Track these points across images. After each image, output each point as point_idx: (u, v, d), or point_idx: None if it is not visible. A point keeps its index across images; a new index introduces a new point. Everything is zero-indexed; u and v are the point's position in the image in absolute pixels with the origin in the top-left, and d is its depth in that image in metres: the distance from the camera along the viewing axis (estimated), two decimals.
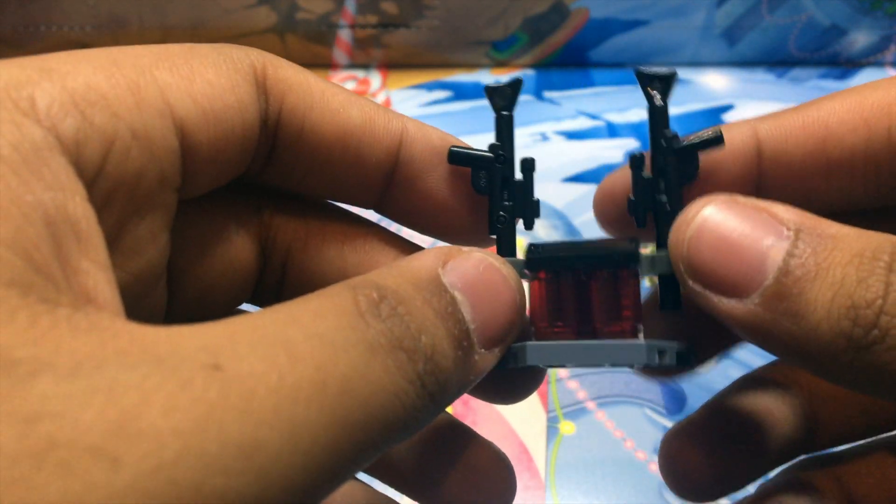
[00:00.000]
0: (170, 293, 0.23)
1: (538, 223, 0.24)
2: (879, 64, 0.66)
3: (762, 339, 0.20)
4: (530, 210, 0.24)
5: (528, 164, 0.24)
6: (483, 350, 0.20)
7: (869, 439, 0.27)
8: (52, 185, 0.17)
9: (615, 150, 0.59)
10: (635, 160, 0.23)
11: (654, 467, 0.42)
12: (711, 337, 0.26)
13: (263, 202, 0.25)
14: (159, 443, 0.14)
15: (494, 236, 0.24)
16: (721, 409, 0.26)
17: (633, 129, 0.60)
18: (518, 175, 0.24)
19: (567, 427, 0.44)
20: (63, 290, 0.16)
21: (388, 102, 0.62)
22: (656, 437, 0.44)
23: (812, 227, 0.19)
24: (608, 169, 0.57)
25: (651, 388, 0.46)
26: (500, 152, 0.24)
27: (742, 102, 0.62)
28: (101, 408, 0.14)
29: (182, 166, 0.20)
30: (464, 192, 0.24)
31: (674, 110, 0.61)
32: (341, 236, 0.25)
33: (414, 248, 0.25)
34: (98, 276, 0.17)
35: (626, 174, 0.24)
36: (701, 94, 0.63)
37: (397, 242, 0.25)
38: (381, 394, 0.17)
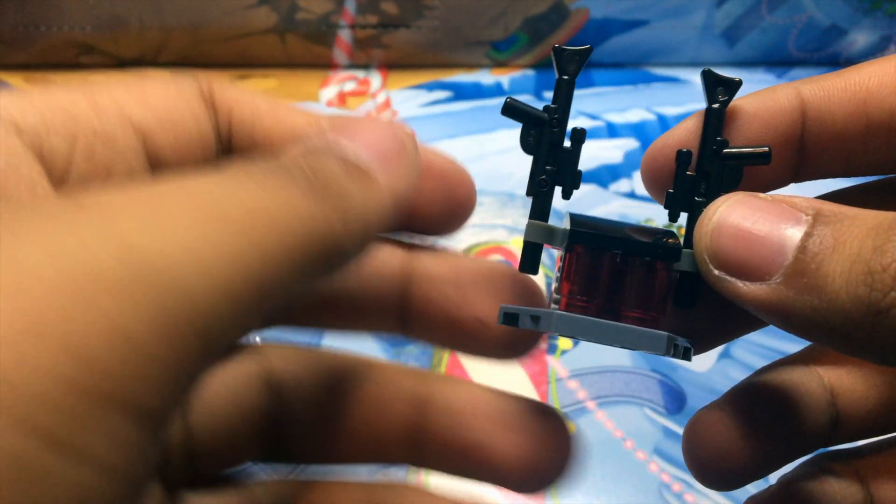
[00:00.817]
0: None
1: None
2: None
3: (786, 318, 0.20)
4: (572, 179, 0.24)
5: (579, 135, 0.24)
6: (380, 174, 0.21)
7: (889, 435, 0.27)
8: (3, 152, 0.18)
9: (615, 150, 0.59)
10: (682, 156, 0.24)
11: (655, 467, 0.42)
12: (708, 333, 0.26)
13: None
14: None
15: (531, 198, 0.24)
16: (750, 392, 0.26)
17: (633, 129, 0.60)
18: (566, 143, 0.24)
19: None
20: None
21: (388, 102, 0.62)
22: (656, 437, 0.44)
23: (830, 210, 0.20)
24: (608, 169, 0.57)
25: (651, 388, 0.46)
26: (555, 115, 0.24)
27: None
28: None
29: (150, 167, 0.22)
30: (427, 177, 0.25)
31: (674, 110, 0.61)
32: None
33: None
34: None
35: (681, 134, 0.25)
36: (701, 95, 0.63)
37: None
38: (269, 199, 0.17)
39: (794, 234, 0.20)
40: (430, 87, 0.63)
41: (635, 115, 0.61)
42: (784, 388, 0.26)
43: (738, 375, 0.28)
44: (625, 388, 0.46)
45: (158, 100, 0.22)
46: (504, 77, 0.64)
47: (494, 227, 0.53)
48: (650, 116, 0.61)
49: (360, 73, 0.64)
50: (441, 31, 0.63)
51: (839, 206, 0.20)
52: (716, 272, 0.21)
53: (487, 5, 0.61)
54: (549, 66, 0.65)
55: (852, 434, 0.27)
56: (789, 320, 0.20)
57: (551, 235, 0.24)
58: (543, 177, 0.24)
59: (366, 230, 0.19)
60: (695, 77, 0.64)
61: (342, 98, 0.62)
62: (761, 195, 0.21)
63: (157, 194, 0.15)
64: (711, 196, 0.23)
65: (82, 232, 0.14)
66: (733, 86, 0.24)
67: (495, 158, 0.58)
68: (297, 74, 0.64)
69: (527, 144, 0.24)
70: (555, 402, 0.45)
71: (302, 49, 0.63)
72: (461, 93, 0.63)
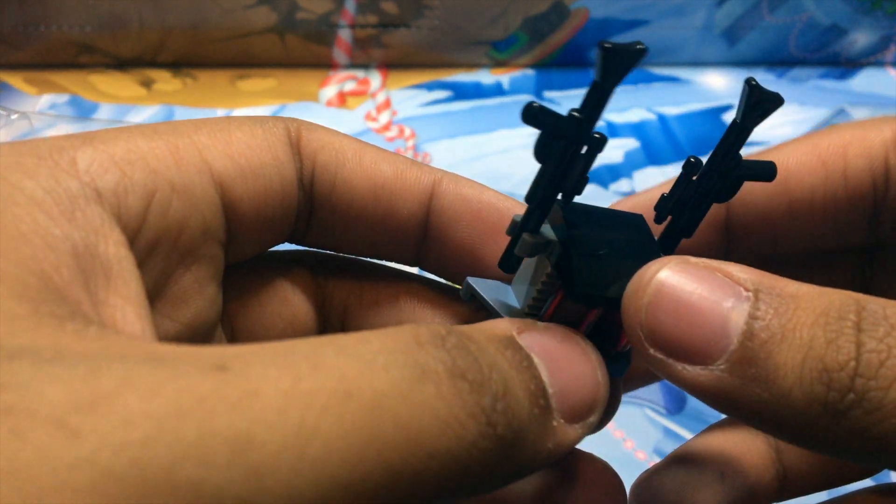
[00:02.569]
0: None
1: None
2: (879, 64, 0.66)
3: (731, 406, 0.19)
4: (577, 185, 0.21)
5: (599, 143, 0.21)
6: (562, 420, 0.19)
7: (835, 489, 0.27)
8: (83, 226, 0.17)
9: (615, 150, 0.59)
10: (691, 165, 0.22)
11: None
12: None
13: (317, 266, 0.25)
14: (128, 422, 0.13)
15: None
16: (695, 452, 0.26)
17: (633, 129, 0.60)
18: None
19: None
20: (79, 311, 0.16)
21: (388, 102, 0.62)
22: (656, 437, 0.44)
23: (770, 287, 0.19)
24: (608, 169, 0.57)
25: (651, 388, 0.46)
26: (584, 126, 0.20)
27: None
28: (73, 386, 0.13)
29: (225, 220, 0.21)
30: (497, 244, 0.24)
31: (674, 110, 0.61)
32: (395, 297, 0.25)
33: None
34: (126, 309, 0.17)
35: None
36: (701, 94, 0.63)
37: (452, 301, 0.25)
38: (429, 419, 0.15)
39: (737, 314, 0.18)
40: (430, 86, 0.63)
41: (635, 115, 0.61)
42: (729, 447, 0.26)
43: None
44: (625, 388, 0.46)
45: (242, 147, 0.21)
46: (504, 77, 0.64)
47: None
48: (650, 116, 0.61)
49: (359, 73, 0.64)
50: (441, 31, 0.63)
51: (779, 279, 0.19)
52: (651, 351, 0.19)
53: (487, 5, 0.61)
54: (549, 66, 0.66)
55: (799, 489, 0.27)
56: (735, 410, 0.19)
57: (543, 249, 0.22)
58: (550, 192, 0.21)
59: (520, 473, 0.18)
60: (695, 77, 0.64)
61: (342, 98, 0.62)
62: (693, 260, 0.20)
63: (290, 363, 0.14)
64: (706, 206, 0.23)
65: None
66: (773, 105, 0.21)
67: (495, 158, 0.58)
68: (297, 74, 0.64)
69: (543, 154, 0.20)
70: None
71: (302, 49, 0.63)
72: (461, 92, 0.63)
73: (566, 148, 0.20)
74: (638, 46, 0.19)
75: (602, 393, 0.20)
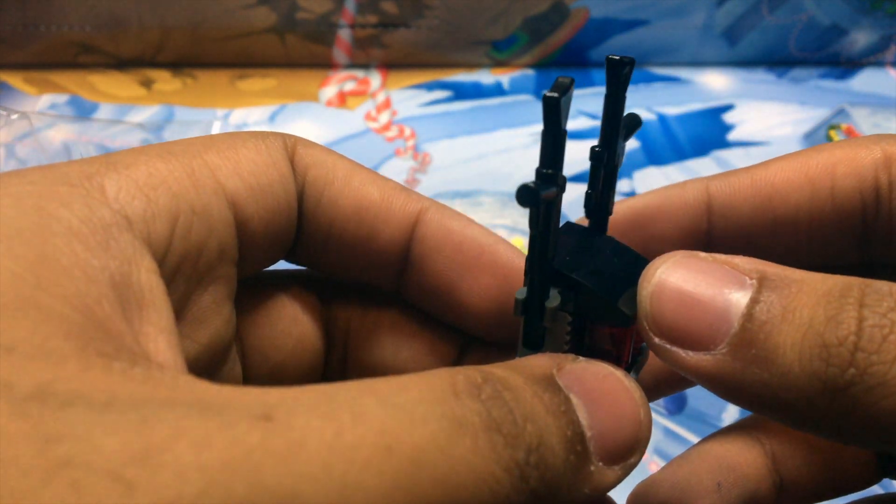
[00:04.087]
0: (244, 374, 0.24)
1: None
2: (880, 64, 0.66)
3: (733, 390, 0.19)
4: (554, 237, 0.21)
5: (563, 188, 0.20)
6: (601, 464, 0.18)
7: (834, 500, 0.27)
8: (117, 255, 0.17)
9: None
10: (598, 155, 0.22)
11: (655, 467, 0.42)
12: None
13: (321, 285, 0.26)
14: (181, 476, 0.13)
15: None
16: (692, 463, 0.26)
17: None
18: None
19: None
20: (123, 346, 0.16)
21: (388, 102, 0.62)
22: (656, 437, 0.43)
23: (775, 274, 0.19)
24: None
25: None
26: (560, 182, 0.20)
27: (742, 102, 0.62)
28: (127, 437, 0.13)
29: (237, 239, 0.21)
30: (476, 279, 0.24)
31: (674, 110, 0.61)
32: (397, 321, 0.25)
33: (470, 346, 0.26)
34: (158, 339, 0.17)
35: None
36: (701, 94, 0.63)
37: (459, 337, 0.26)
38: (465, 473, 0.15)
39: (739, 299, 0.19)
40: (430, 86, 0.63)
41: None
42: (727, 457, 0.26)
43: None
44: None
45: (251, 165, 0.22)
46: (504, 77, 0.64)
47: (494, 228, 0.53)
48: (650, 116, 0.61)
49: (359, 73, 0.64)
50: (441, 31, 0.63)
51: (784, 268, 0.19)
52: (656, 340, 0.19)
53: (487, 5, 0.61)
54: (549, 66, 0.66)
55: (796, 500, 0.27)
56: (737, 393, 0.19)
57: (563, 306, 0.22)
58: (548, 254, 0.21)
59: None
60: (695, 77, 0.64)
61: (342, 98, 0.62)
62: (701, 254, 0.20)
63: (332, 413, 0.15)
64: (613, 182, 0.23)
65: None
66: (625, 63, 0.22)
67: (495, 158, 0.58)
68: (297, 74, 0.64)
69: (539, 224, 0.20)
70: None
71: (302, 49, 0.63)
72: (461, 92, 0.63)
73: (550, 208, 0.20)
74: (568, 83, 0.19)
75: (644, 433, 0.20)
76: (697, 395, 0.45)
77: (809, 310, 0.18)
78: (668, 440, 0.44)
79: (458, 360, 0.26)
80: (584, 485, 0.18)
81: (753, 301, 0.18)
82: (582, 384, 0.19)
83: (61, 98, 0.60)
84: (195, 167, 0.21)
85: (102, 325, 0.16)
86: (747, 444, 0.26)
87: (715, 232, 0.25)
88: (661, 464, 0.42)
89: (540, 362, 0.19)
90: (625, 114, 0.22)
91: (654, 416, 0.44)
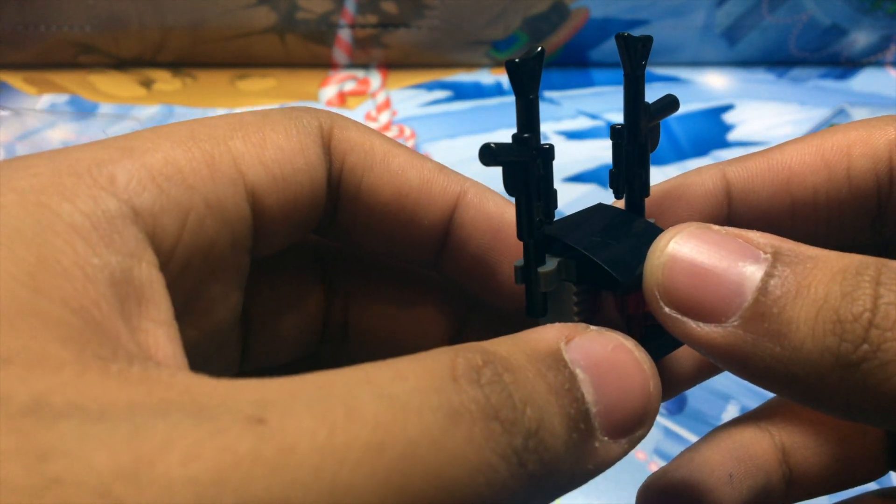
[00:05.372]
0: (243, 344, 0.24)
1: None
2: (879, 64, 0.66)
3: (744, 365, 0.19)
4: (553, 203, 0.22)
5: (547, 152, 0.21)
6: (606, 438, 0.18)
7: (844, 492, 0.27)
8: (119, 250, 0.17)
9: None
10: (618, 132, 0.23)
11: (655, 467, 0.42)
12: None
13: (326, 255, 0.26)
14: (169, 491, 0.13)
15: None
16: (701, 455, 0.26)
17: None
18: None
19: None
20: (122, 345, 0.16)
21: (388, 102, 0.62)
22: (657, 436, 0.43)
23: (790, 249, 0.19)
24: (608, 169, 0.57)
25: None
26: (535, 146, 0.20)
27: (742, 102, 0.62)
28: (118, 450, 0.13)
29: (253, 229, 0.21)
30: (514, 259, 0.24)
31: None
32: (401, 291, 0.25)
33: (484, 306, 0.25)
34: (158, 333, 0.17)
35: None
36: (701, 94, 0.63)
37: (454, 301, 0.26)
38: (459, 465, 0.15)
39: (753, 273, 0.19)
40: (430, 86, 0.63)
41: None
42: (736, 449, 0.26)
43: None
44: None
45: (276, 153, 0.21)
46: (504, 77, 0.64)
47: None
48: None
49: (359, 73, 0.64)
50: (441, 31, 0.63)
51: (798, 244, 0.19)
52: (666, 310, 0.19)
53: (487, 5, 0.61)
54: (549, 66, 0.65)
55: (807, 492, 0.27)
56: (747, 367, 0.19)
57: (561, 273, 0.22)
58: (536, 219, 0.21)
59: (556, 495, 0.17)
60: (695, 77, 0.64)
61: (342, 98, 0.62)
62: (715, 227, 0.20)
63: (326, 411, 0.15)
64: (647, 162, 0.23)
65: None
66: (646, 42, 0.22)
67: None
68: (297, 74, 0.64)
69: (515, 186, 0.21)
70: None
71: (301, 48, 0.63)
72: (461, 92, 0.63)
73: (527, 171, 0.20)
74: (537, 50, 0.19)
75: (653, 405, 0.20)
76: (697, 395, 0.45)
77: (824, 286, 0.18)
78: (668, 440, 0.44)
79: (460, 324, 0.26)
80: (588, 461, 0.18)
81: (768, 275, 0.18)
82: (589, 357, 0.19)
83: (61, 98, 0.60)
84: (217, 155, 0.20)
85: (100, 326, 0.16)
86: (757, 435, 0.26)
87: (734, 217, 0.25)
88: (661, 464, 0.42)
89: (548, 335, 0.19)
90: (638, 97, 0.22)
91: None
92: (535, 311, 0.22)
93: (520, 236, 0.21)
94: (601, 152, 0.58)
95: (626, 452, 0.19)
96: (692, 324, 0.19)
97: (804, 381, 0.18)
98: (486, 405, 0.16)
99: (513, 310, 0.24)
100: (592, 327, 0.20)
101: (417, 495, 0.14)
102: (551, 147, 0.21)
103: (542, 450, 0.16)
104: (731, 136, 0.60)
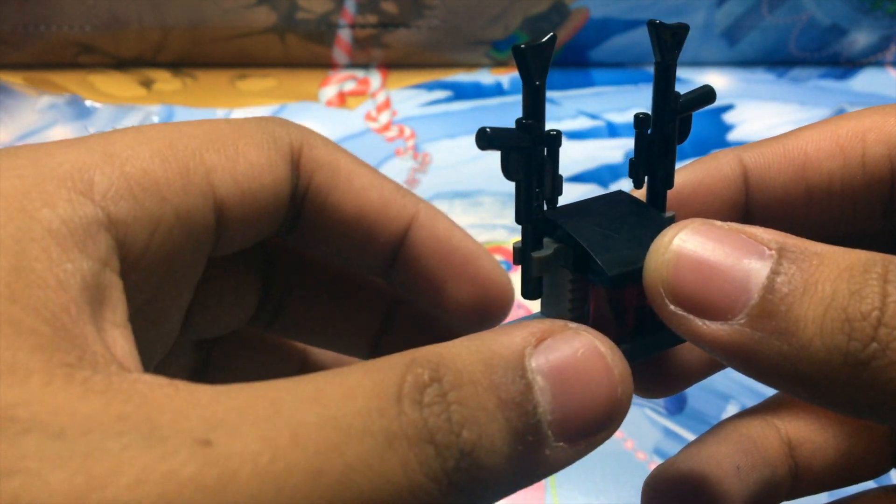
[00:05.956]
0: (183, 326, 0.25)
1: None
2: (880, 64, 0.66)
3: (750, 363, 0.19)
4: (558, 190, 0.22)
5: (555, 138, 0.21)
6: (561, 444, 0.18)
7: (850, 486, 0.27)
8: (92, 255, 0.18)
9: (615, 150, 0.59)
10: (641, 120, 0.22)
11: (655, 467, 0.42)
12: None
13: (268, 245, 0.27)
14: None
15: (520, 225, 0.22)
16: (707, 449, 0.26)
17: (633, 130, 0.60)
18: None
19: None
20: (88, 351, 0.16)
21: (388, 102, 0.62)
22: (656, 437, 0.43)
23: (795, 245, 0.19)
24: (608, 169, 0.57)
25: None
26: (537, 132, 0.20)
27: (742, 102, 0.62)
28: (72, 472, 0.14)
29: (216, 239, 0.22)
30: (459, 284, 0.26)
31: None
32: (335, 285, 0.27)
33: (400, 303, 0.28)
34: (115, 334, 0.18)
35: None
36: None
37: (382, 297, 0.28)
38: (390, 489, 0.15)
39: (758, 270, 0.18)
40: (430, 86, 0.63)
41: None
42: (741, 443, 0.26)
43: (740, 375, 0.28)
44: None
45: (248, 167, 0.22)
46: (504, 77, 0.64)
47: (494, 228, 0.53)
48: None
49: (359, 73, 0.64)
50: (441, 31, 0.63)
51: (803, 240, 0.19)
52: (671, 307, 0.19)
53: (487, 5, 0.61)
54: (550, 66, 0.65)
55: (812, 486, 0.27)
56: (754, 366, 0.19)
57: (556, 259, 0.22)
58: (534, 205, 0.21)
59: (495, 500, 0.18)
60: (695, 77, 0.64)
61: (342, 98, 0.62)
62: (718, 223, 0.20)
63: (272, 434, 0.15)
64: (672, 153, 0.23)
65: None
66: (680, 31, 0.21)
67: (495, 158, 0.58)
68: (297, 74, 0.64)
69: (512, 171, 0.21)
70: None
71: (301, 48, 0.63)
72: (461, 92, 0.63)
73: (529, 156, 0.20)
74: (547, 36, 0.19)
75: (619, 410, 0.19)
76: (697, 395, 0.45)
77: (832, 283, 0.18)
78: (668, 440, 0.44)
79: (387, 317, 0.28)
80: (535, 469, 0.18)
81: (774, 272, 0.18)
82: (554, 363, 0.18)
83: (61, 98, 0.60)
84: (191, 167, 0.21)
85: (69, 332, 0.16)
86: (764, 429, 0.26)
87: (752, 204, 0.25)
88: None
89: (515, 339, 0.19)
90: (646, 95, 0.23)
91: (654, 415, 0.45)
92: (527, 294, 0.22)
93: (518, 220, 0.21)
94: (601, 152, 0.58)
95: (583, 454, 0.19)
96: (698, 321, 0.19)
97: (812, 378, 0.18)
98: (423, 429, 0.16)
99: (459, 326, 0.26)
100: (571, 325, 0.20)
101: None
102: (558, 134, 0.21)
103: (474, 469, 0.17)
104: (731, 135, 0.60)
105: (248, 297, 0.27)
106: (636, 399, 0.48)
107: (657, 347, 0.23)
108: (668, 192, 0.23)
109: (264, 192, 0.22)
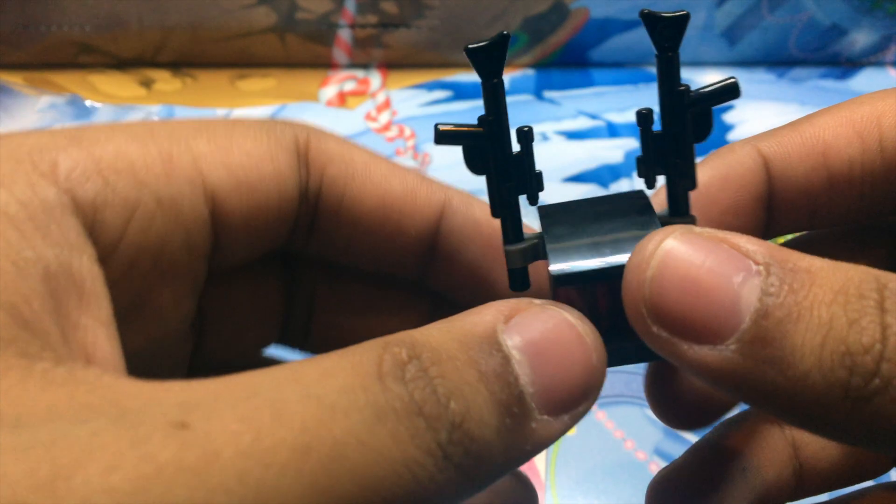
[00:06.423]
0: (196, 341, 0.23)
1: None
2: (880, 64, 0.66)
3: (742, 390, 0.18)
4: (533, 184, 0.21)
5: (526, 134, 0.21)
6: (546, 416, 0.18)
7: (854, 487, 0.26)
8: (58, 242, 0.17)
9: (615, 150, 0.59)
10: (643, 116, 0.21)
11: (655, 467, 0.42)
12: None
13: (289, 253, 0.25)
14: (87, 503, 0.13)
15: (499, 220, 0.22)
16: (712, 449, 0.26)
17: (633, 129, 0.60)
18: (516, 147, 0.21)
19: None
20: (50, 344, 0.16)
21: (388, 102, 0.62)
22: (657, 437, 0.43)
23: (782, 260, 0.18)
24: (609, 169, 0.57)
25: None
26: (493, 126, 0.20)
27: (742, 102, 0.62)
28: (35, 463, 0.13)
29: (213, 235, 0.20)
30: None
31: None
32: (367, 294, 0.25)
33: (442, 302, 0.25)
34: (97, 332, 0.17)
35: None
36: None
37: (422, 301, 0.25)
38: (384, 463, 0.15)
39: (748, 290, 0.17)
40: (430, 86, 0.63)
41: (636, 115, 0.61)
42: (746, 444, 0.26)
43: None
44: (625, 389, 0.46)
45: (243, 157, 0.20)
46: (504, 77, 0.64)
47: None
48: None
49: (359, 73, 0.64)
50: (441, 31, 0.63)
51: (790, 252, 0.18)
52: (654, 329, 0.18)
53: (487, 5, 0.61)
54: (549, 66, 0.66)
55: (817, 487, 0.26)
56: (746, 394, 0.18)
57: (535, 254, 0.21)
58: (507, 199, 0.21)
59: (492, 480, 0.17)
60: (695, 77, 0.64)
61: (342, 98, 0.62)
62: (698, 230, 0.18)
63: (251, 414, 0.14)
64: (685, 151, 0.21)
65: None
66: (679, 22, 0.20)
67: None
68: (297, 74, 0.63)
69: (475, 166, 0.21)
70: None
71: (301, 49, 0.63)
72: (461, 92, 0.63)
73: (494, 151, 0.20)
74: (502, 37, 0.20)
75: (596, 379, 0.19)
76: None
77: (827, 307, 0.17)
78: (669, 440, 0.44)
79: (429, 318, 0.26)
80: (524, 442, 0.18)
81: (765, 293, 0.17)
82: (527, 336, 0.18)
83: (61, 98, 0.60)
84: (175, 153, 0.19)
85: (28, 323, 0.15)
86: (768, 429, 0.26)
87: (775, 193, 0.24)
88: (662, 464, 0.42)
89: (486, 317, 0.18)
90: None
91: (653, 416, 0.44)
92: (514, 286, 0.22)
93: (493, 214, 0.21)
94: (601, 152, 0.58)
95: (567, 428, 0.18)
96: (684, 345, 0.18)
97: (810, 411, 0.17)
98: (410, 402, 0.16)
99: None
100: (536, 301, 0.19)
101: (345, 496, 0.14)
102: (530, 130, 0.21)
103: (468, 441, 0.16)
104: (731, 135, 0.60)
105: (268, 314, 0.25)
106: (636, 399, 0.48)
107: (635, 358, 0.22)
108: (696, 191, 0.22)
109: (265, 184, 0.21)
